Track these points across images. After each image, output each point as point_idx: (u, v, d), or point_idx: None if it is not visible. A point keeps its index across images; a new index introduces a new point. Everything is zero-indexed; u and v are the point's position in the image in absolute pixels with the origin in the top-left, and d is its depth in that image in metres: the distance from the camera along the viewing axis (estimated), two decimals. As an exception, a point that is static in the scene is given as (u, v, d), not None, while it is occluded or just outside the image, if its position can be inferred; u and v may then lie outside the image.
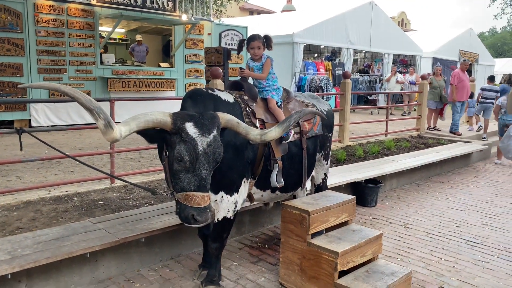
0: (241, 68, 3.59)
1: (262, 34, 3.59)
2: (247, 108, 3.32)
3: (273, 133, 2.82)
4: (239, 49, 3.57)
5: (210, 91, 3.15)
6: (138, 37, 12.51)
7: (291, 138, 3.47)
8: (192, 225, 2.62)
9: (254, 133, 2.81)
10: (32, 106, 9.05)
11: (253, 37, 3.51)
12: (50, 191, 4.65)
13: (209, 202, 2.62)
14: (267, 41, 3.53)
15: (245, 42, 3.56)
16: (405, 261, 3.95)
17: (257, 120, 3.33)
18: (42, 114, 9.20)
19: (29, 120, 9.10)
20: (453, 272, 3.76)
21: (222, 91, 3.30)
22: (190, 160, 2.53)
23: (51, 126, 9.04)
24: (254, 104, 3.41)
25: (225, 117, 2.77)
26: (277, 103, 3.54)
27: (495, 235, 4.66)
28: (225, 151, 3.01)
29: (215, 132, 2.63)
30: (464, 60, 10.60)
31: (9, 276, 2.81)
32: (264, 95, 3.56)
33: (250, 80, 3.60)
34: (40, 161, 5.76)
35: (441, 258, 4.03)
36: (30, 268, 2.88)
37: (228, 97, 3.23)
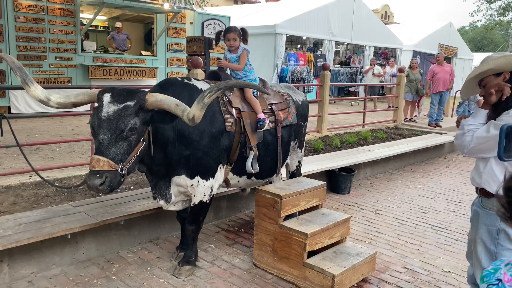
0: (218, 59, 3.72)
1: (241, 26, 3.74)
2: (224, 97, 3.46)
3: (194, 108, 2.66)
4: (217, 40, 3.71)
5: (186, 81, 3.28)
6: (118, 24, 12.33)
7: (266, 127, 3.63)
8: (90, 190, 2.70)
9: (185, 113, 2.68)
10: (11, 93, 8.96)
11: (229, 29, 3.66)
12: (30, 176, 4.71)
13: (106, 168, 2.56)
14: (243, 34, 3.67)
15: (222, 33, 3.70)
16: (373, 244, 4.18)
17: (233, 108, 3.48)
18: (22, 101, 9.12)
19: (9, 107, 9.04)
20: (416, 254, 4.01)
21: (200, 80, 3.44)
22: (92, 124, 2.68)
23: (32, 113, 8.98)
24: (231, 93, 3.55)
25: (157, 97, 2.74)
26: (253, 93, 3.69)
27: (459, 221, 4.94)
28: (201, 138, 3.16)
29: (130, 103, 2.67)
30: (438, 53, 11.11)
31: (-9, 256, 2.93)
32: (241, 85, 3.71)
33: (228, 71, 3.75)
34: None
35: (406, 242, 4.28)
36: (12, 248, 3.00)
37: (205, 86, 3.37)
